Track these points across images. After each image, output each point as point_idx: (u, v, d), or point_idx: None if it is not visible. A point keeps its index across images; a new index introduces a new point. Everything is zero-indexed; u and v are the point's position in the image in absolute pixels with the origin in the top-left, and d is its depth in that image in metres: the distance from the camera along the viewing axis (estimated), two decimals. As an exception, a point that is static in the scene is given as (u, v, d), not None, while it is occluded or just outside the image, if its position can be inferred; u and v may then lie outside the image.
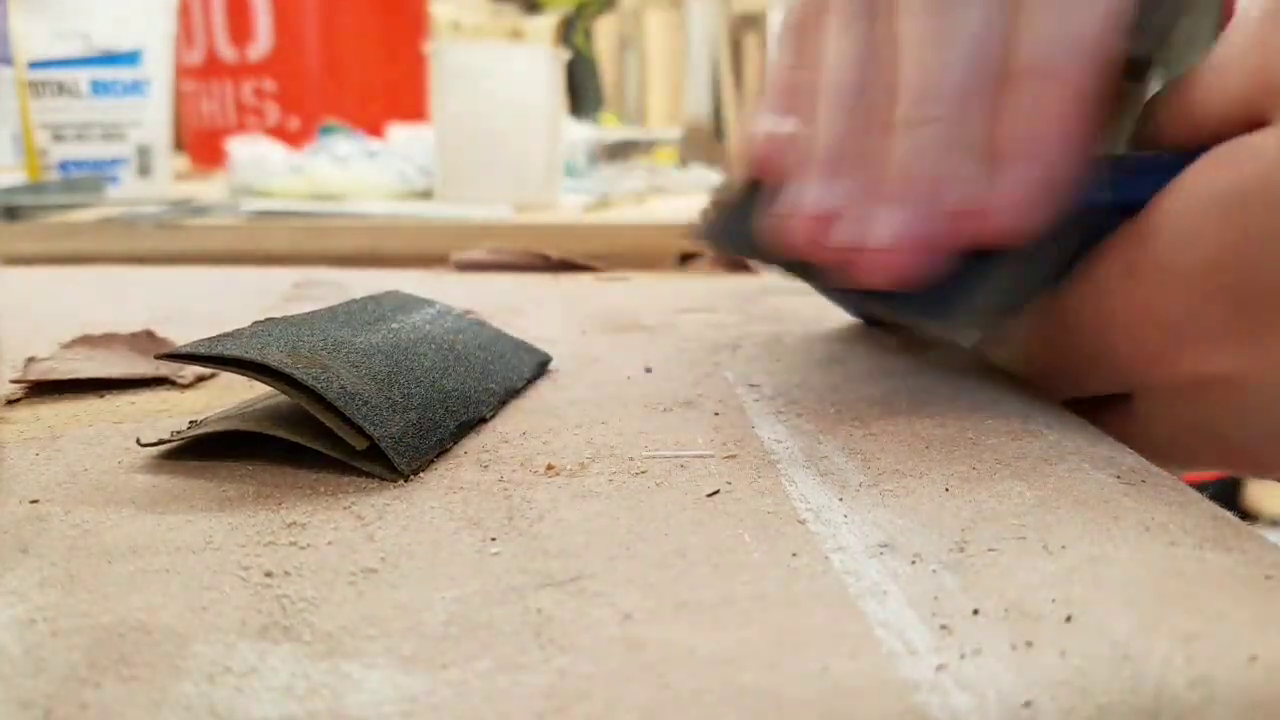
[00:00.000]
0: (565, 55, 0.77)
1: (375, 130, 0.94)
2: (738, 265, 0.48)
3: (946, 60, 0.22)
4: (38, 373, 0.26)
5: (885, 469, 0.20)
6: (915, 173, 0.22)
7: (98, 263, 0.52)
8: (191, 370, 0.27)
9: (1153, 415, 0.25)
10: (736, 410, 0.24)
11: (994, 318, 0.23)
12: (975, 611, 0.14)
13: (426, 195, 0.78)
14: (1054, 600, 0.15)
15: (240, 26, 1.10)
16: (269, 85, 1.11)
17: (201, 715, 0.12)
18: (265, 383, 0.20)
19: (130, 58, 0.78)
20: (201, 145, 1.14)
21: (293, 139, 0.98)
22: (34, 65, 0.77)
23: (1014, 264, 0.22)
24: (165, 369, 0.27)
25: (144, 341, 0.29)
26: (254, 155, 0.80)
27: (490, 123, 0.72)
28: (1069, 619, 0.14)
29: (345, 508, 0.18)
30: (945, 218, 0.22)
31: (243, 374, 0.20)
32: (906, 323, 0.23)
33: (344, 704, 0.12)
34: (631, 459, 0.21)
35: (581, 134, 1.00)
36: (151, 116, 0.80)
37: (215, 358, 0.21)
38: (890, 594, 0.15)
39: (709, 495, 0.19)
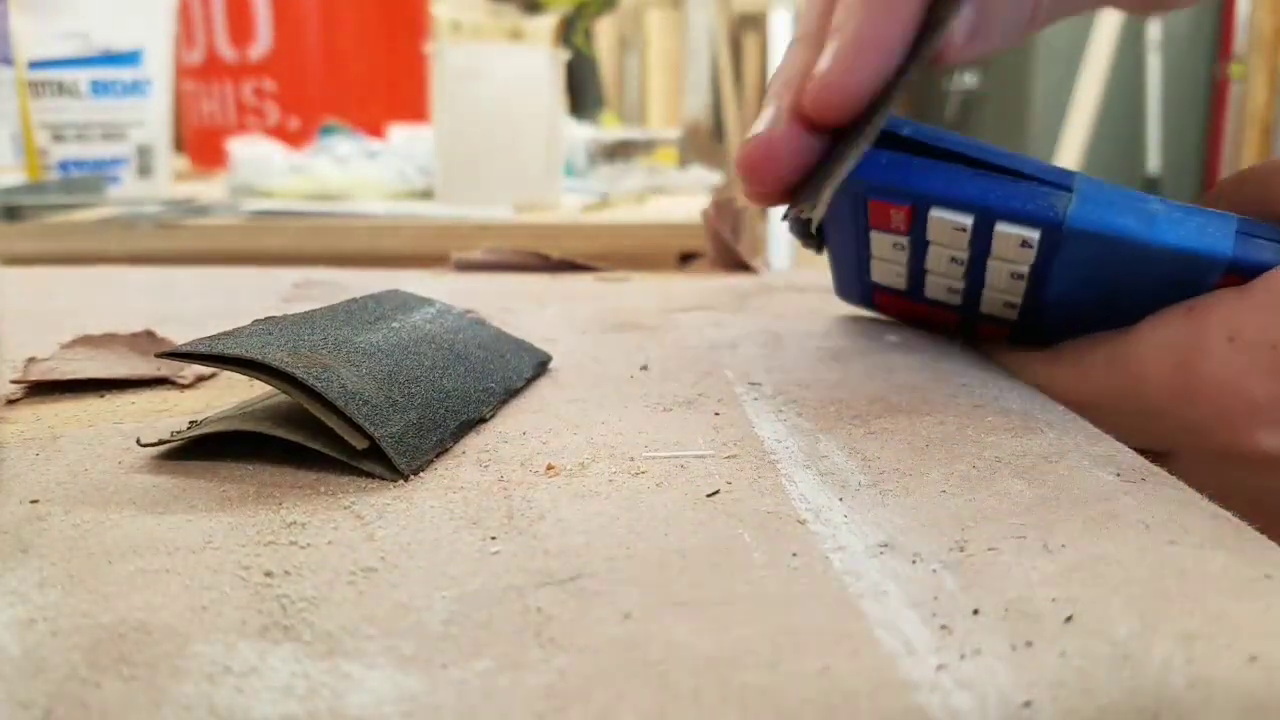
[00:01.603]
0: (565, 55, 0.77)
1: (375, 130, 0.94)
2: (738, 265, 0.48)
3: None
4: (38, 373, 0.26)
5: (885, 469, 0.20)
6: (780, 69, 0.29)
7: (98, 263, 0.52)
8: (191, 370, 0.27)
9: (1195, 480, 0.25)
10: (736, 410, 0.24)
11: (828, 192, 0.27)
12: (975, 611, 0.14)
13: (426, 195, 0.77)
14: (1054, 600, 0.15)
15: (240, 26, 1.10)
16: (269, 85, 1.11)
17: (201, 715, 0.12)
18: (266, 382, 0.20)
19: (130, 58, 0.78)
20: (201, 145, 1.14)
21: (293, 139, 0.98)
22: (34, 65, 0.77)
23: (839, 151, 0.27)
24: (165, 369, 0.27)
25: (144, 341, 0.29)
26: (254, 155, 0.80)
27: (490, 123, 0.72)
28: (1069, 619, 0.14)
29: (345, 508, 0.18)
30: (791, 93, 0.28)
31: (243, 373, 0.20)
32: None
33: (344, 704, 0.12)
34: (631, 459, 0.21)
35: (581, 134, 1.00)
36: (151, 116, 0.80)
37: (216, 356, 0.21)
38: (890, 594, 0.15)
39: (709, 495, 0.19)
